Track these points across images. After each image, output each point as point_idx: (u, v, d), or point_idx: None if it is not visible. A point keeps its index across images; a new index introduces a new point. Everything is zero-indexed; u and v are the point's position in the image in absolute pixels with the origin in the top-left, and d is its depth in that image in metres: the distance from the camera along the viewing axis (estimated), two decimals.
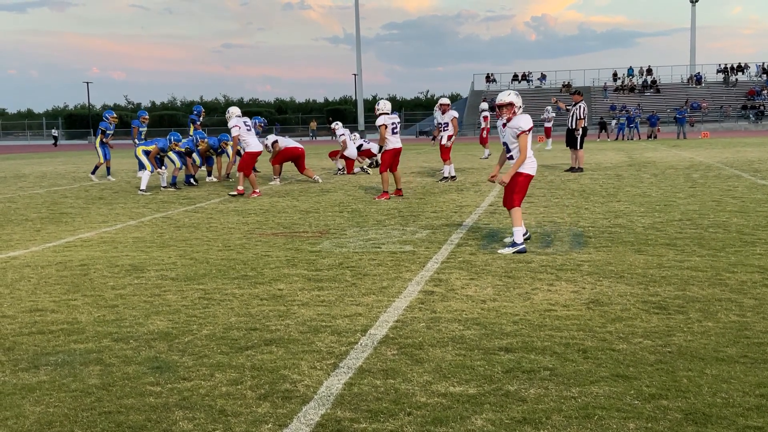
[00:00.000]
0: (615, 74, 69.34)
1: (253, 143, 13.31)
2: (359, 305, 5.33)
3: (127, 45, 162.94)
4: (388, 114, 12.65)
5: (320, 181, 16.23)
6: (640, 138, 41.04)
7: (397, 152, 12.64)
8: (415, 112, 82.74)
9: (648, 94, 66.19)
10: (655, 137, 40.73)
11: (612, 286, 5.73)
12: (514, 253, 7.19)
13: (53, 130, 66.07)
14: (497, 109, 7.69)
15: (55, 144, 61.50)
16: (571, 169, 17.43)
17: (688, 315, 4.88)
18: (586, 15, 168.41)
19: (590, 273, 6.21)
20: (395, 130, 12.63)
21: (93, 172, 18.57)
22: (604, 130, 42.45)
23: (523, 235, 7.41)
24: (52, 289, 6.06)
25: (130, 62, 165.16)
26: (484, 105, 24.85)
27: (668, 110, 57.39)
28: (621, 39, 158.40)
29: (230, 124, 13.38)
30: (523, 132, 7.40)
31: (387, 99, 11.38)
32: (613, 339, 4.40)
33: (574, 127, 17.47)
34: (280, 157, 16.12)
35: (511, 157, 7.56)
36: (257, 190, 13.03)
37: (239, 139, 13.31)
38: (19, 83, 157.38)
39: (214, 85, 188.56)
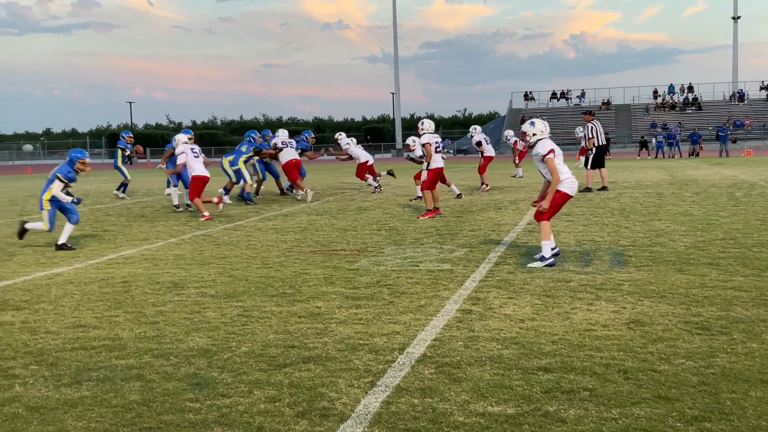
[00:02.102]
0: (655, 92, 68.63)
1: (198, 168, 13.18)
2: (397, 323, 5.33)
3: (168, 65, 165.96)
4: (431, 133, 12.80)
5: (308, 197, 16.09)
6: (681, 156, 40.49)
7: (439, 171, 12.70)
8: (452, 131, 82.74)
9: (689, 111, 65.34)
10: (697, 155, 40.16)
11: (653, 306, 5.64)
12: (543, 266, 7.34)
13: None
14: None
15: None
16: (587, 189, 16.54)
17: (731, 336, 4.78)
18: (625, 32, 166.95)
19: (631, 292, 6.13)
20: (438, 149, 12.66)
21: (121, 190, 18.82)
22: (644, 148, 41.98)
23: (552, 250, 7.51)
24: (95, 305, 6.16)
25: (172, 82, 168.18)
26: (510, 132, 25.51)
27: (710, 128, 56.57)
28: (661, 56, 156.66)
29: (177, 150, 13.53)
30: (545, 156, 7.63)
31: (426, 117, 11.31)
32: (655, 360, 4.33)
33: (587, 147, 17.11)
34: (291, 171, 16.49)
35: (549, 182, 7.68)
36: (206, 214, 12.91)
37: (186, 165, 13.25)
38: (63, 103, 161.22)
39: (253, 104, 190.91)
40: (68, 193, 9.79)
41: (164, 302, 6.20)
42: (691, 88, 67.83)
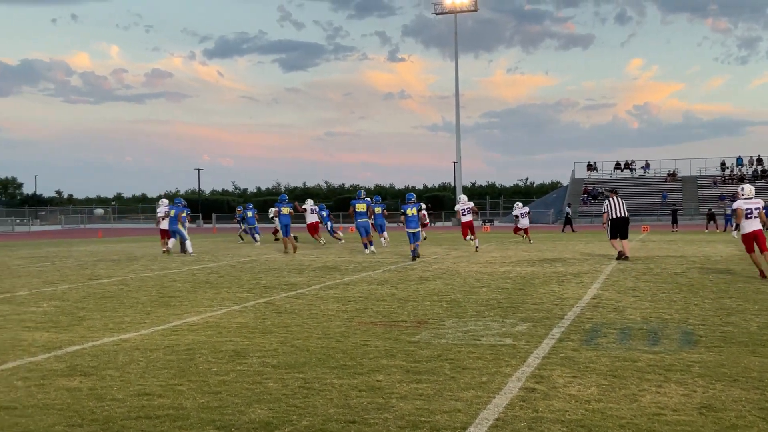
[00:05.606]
0: (723, 163, 67.33)
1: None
2: (458, 401, 5.25)
3: (235, 133, 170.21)
4: (750, 198, 13.66)
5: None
6: None
7: (753, 235, 13.41)
8: (514, 200, 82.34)
9: (759, 183, 63.79)
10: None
11: (725, 390, 5.44)
12: None
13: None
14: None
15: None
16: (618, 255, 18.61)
17: None
18: (690, 103, 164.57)
19: (701, 375, 5.92)
20: (749, 215, 13.46)
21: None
22: (712, 221, 41.01)
23: None
24: (160, 373, 6.25)
25: (238, 150, 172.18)
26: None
27: None
28: (728, 127, 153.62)
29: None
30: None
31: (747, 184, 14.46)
32: None
33: (603, 221, 19.23)
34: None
35: None
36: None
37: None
38: (134, 169, 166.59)
39: (316, 171, 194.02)
40: None
41: (227, 371, 6.26)
42: (760, 160, 66.35)
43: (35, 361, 6.80)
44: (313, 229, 26.84)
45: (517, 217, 27.98)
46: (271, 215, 28.53)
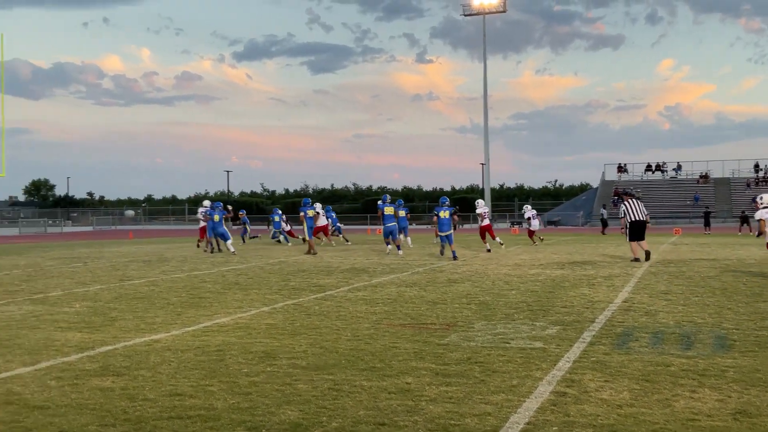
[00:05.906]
0: (756, 165, 66.30)
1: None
2: (488, 404, 5.22)
3: (264, 135, 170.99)
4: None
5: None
6: None
7: None
8: (543, 202, 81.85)
9: None
10: None
11: (761, 396, 5.35)
12: None
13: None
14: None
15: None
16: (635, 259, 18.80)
17: None
18: (722, 104, 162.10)
19: (736, 380, 5.83)
20: None
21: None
22: (746, 224, 40.39)
23: None
24: (191, 373, 6.30)
25: (267, 152, 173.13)
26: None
27: None
28: (762, 128, 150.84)
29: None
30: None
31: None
32: None
33: (621, 225, 20.09)
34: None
35: None
36: None
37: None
38: (165, 171, 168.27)
39: (344, 173, 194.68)
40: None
41: (257, 372, 6.29)
42: None
43: (68, 361, 6.89)
44: (320, 231, 28.02)
45: (529, 218, 28.32)
46: (277, 219, 31.79)
